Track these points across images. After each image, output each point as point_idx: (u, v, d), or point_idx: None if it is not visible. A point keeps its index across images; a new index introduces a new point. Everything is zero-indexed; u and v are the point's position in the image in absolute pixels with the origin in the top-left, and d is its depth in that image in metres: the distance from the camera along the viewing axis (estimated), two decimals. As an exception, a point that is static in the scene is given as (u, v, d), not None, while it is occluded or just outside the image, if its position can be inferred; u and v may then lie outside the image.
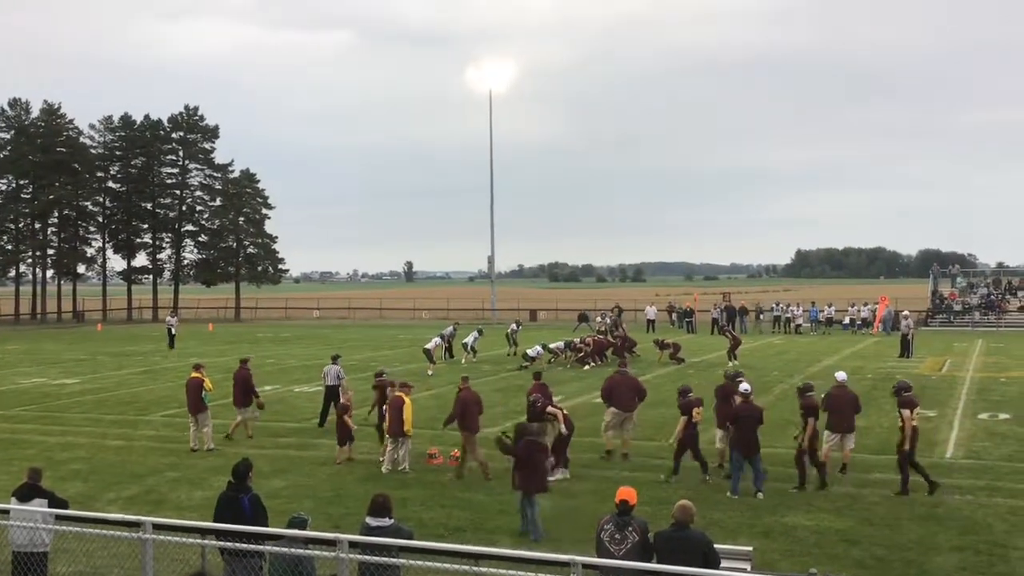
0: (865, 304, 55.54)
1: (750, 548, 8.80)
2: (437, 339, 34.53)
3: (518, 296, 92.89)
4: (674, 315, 57.76)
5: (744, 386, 15.50)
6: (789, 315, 54.05)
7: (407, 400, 16.48)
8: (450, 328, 37.59)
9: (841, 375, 16.82)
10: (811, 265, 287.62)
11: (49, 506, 9.87)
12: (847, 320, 53.63)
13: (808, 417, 15.10)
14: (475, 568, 6.94)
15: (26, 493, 10.07)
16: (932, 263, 79.25)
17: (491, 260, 75.37)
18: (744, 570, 8.07)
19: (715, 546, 8.05)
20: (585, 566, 6.50)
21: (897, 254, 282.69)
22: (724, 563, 7.91)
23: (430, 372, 31.27)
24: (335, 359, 21.80)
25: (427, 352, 32.93)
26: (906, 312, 45.70)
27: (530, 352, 32.41)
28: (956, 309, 59.08)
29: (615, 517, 8.23)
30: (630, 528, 8.10)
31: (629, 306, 61.24)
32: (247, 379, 19.69)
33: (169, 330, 45.35)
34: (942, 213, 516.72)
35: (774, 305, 56.96)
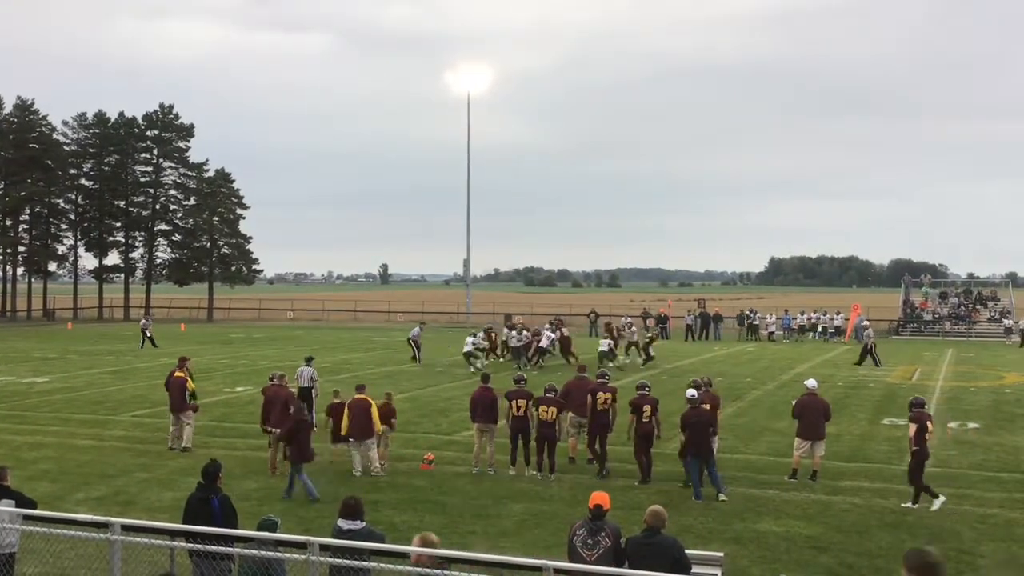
0: (838, 312, 55.99)
1: (721, 554, 8.84)
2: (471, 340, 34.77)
3: (493, 300, 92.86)
4: (649, 321, 57.91)
5: (690, 392, 15.73)
6: (758, 322, 54.40)
7: (372, 402, 16.59)
8: (416, 329, 37.59)
9: (811, 382, 16.98)
10: (784, 273, 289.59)
11: (17, 506, 9.74)
12: (820, 328, 54.04)
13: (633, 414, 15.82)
14: (447, 572, 6.92)
15: None
16: (904, 273, 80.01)
17: (467, 263, 75.53)
18: (715, 575, 8.11)
19: (686, 551, 8.08)
20: (557, 571, 6.50)
21: (869, 263, 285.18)
22: (695, 569, 7.94)
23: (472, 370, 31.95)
24: (308, 361, 21.88)
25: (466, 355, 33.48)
26: (865, 322, 46.25)
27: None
28: (927, 319, 59.67)
29: (588, 522, 8.24)
30: (603, 533, 8.11)
31: (605, 311, 61.39)
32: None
33: (144, 331, 45.04)
34: (914, 224, 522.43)
35: (748, 313, 57.24)
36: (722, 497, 14.55)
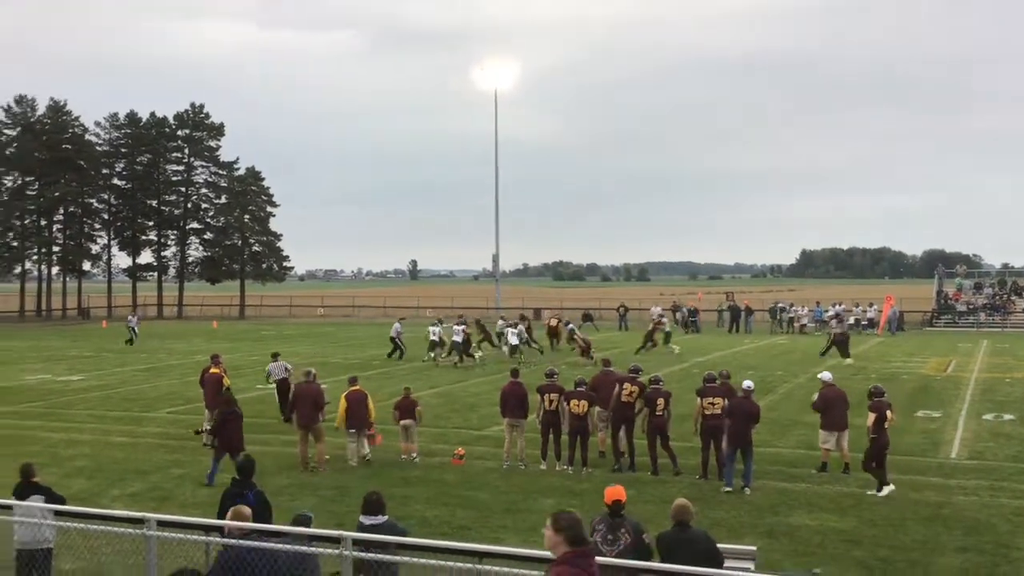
0: (871, 304, 55.47)
1: (754, 548, 8.81)
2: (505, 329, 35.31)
3: (522, 295, 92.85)
4: (678, 315, 57.72)
5: (747, 383, 15.71)
6: (793, 315, 54.01)
7: (367, 394, 17.27)
8: (396, 325, 37.54)
9: (827, 375, 16.93)
10: (816, 265, 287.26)
11: (46, 502, 9.89)
12: (852, 320, 53.55)
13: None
14: (479, 566, 6.94)
15: (23, 490, 10.09)
16: (937, 263, 79.07)
17: (496, 259, 75.38)
18: (748, 570, 8.07)
19: (718, 545, 8.05)
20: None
21: (902, 254, 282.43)
22: (727, 563, 7.91)
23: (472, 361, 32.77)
24: (275, 356, 22.61)
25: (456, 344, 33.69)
26: (830, 313, 46.31)
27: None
28: (961, 310, 58.96)
29: (607, 518, 8.20)
30: (623, 529, 8.07)
31: (635, 305, 61.20)
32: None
33: (132, 328, 45.74)
34: (948, 214, 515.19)
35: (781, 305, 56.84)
36: (747, 491, 14.52)
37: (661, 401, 16.03)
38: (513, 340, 34.37)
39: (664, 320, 42.17)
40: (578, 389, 16.50)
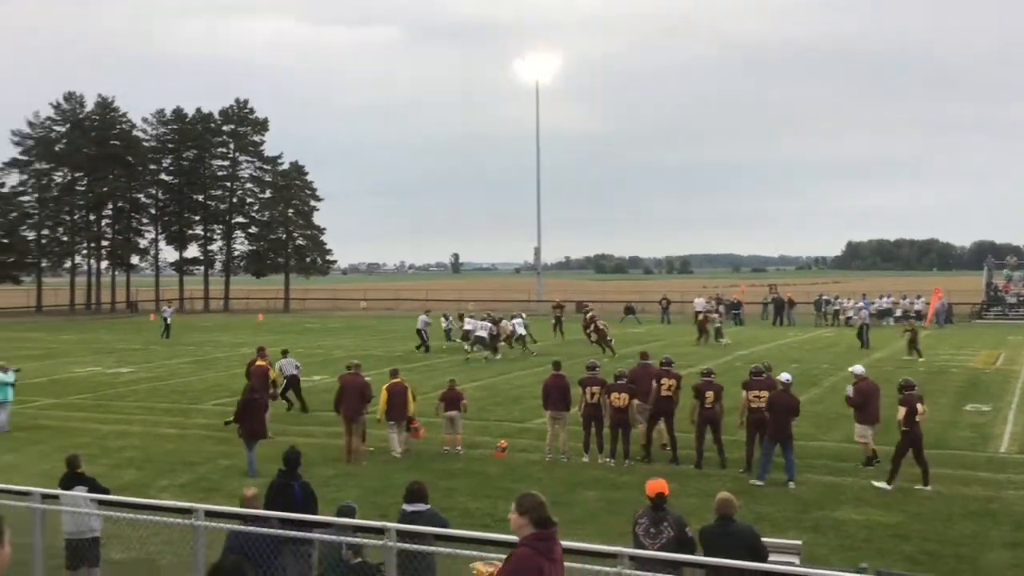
0: (919, 296, 54.62)
1: (799, 542, 8.74)
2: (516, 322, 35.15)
3: (564, 287, 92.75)
4: (721, 307, 57.31)
5: (785, 376, 15.58)
6: (839, 307, 53.33)
7: (408, 386, 17.49)
8: (423, 317, 37.48)
9: (859, 368, 16.75)
10: (862, 257, 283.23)
11: (90, 492, 10.09)
12: (899, 312, 52.77)
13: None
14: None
15: (69, 481, 10.31)
16: (986, 255, 77.53)
17: (537, 251, 75.39)
18: (793, 564, 8.00)
19: (763, 539, 8.00)
20: (631, 558, 6.49)
21: (950, 246, 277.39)
22: (772, 556, 7.86)
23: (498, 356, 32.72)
24: (285, 353, 23.09)
25: (480, 339, 33.58)
26: (860, 303, 45.62)
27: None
28: (1011, 302, 57.81)
29: (650, 511, 8.19)
30: (665, 523, 8.06)
31: (677, 298, 60.83)
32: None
33: (165, 320, 46.42)
34: (997, 204, 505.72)
35: (827, 298, 56.16)
36: (791, 485, 14.39)
37: (711, 394, 15.93)
38: (482, 333, 34.08)
39: (714, 314, 42.22)
40: (618, 382, 16.48)
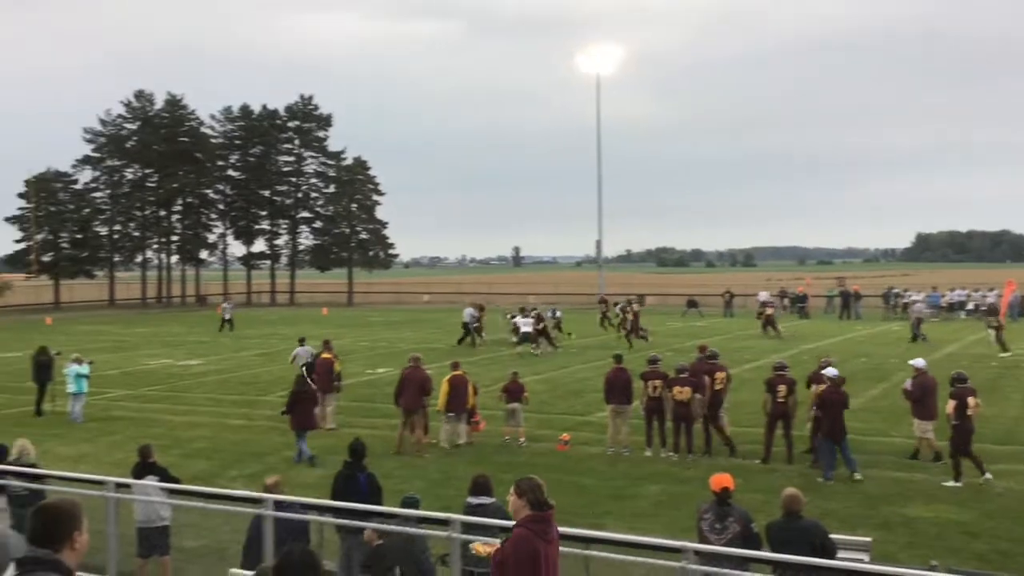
0: (991, 289, 53.19)
1: (868, 539, 8.60)
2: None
3: (626, 281, 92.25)
4: (786, 300, 56.51)
5: (831, 371, 15.34)
6: (909, 301, 52.13)
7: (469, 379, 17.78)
8: (469, 310, 37.35)
9: (920, 362, 16.39)
10: (932, 249, 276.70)
11: (161, 482, 10.34)
12: (971, 306, 51.44)
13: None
14: (586, 552, 6.97)
15: (140, 470, 10.58)
16: (1063, 246, 75.12)
17: (599, 245, 75.08)
18: (862, 561, 7.88)
19: (831, 536, 7.89)
20: (697, 553, 6.46)
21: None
22: (841, 553, 7.75)
23: (539, 351, 32.48)
24: (302, 341, 23.70)
25: (525, 335, 33.58)
26: (915, 297, 44.41)
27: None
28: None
29: (715, 506, 8.13)
30: (731, 518, 7.98)
31: (740, 291, 60.14)
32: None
33: (223, 315, 47.15)
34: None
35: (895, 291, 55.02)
36: (857, 476, 14.23)
37: (783, 388, 15.72)
38: (525, 329, 34.05)
39: (770, 308, 41.76)
40: (680, 376, 16.39)
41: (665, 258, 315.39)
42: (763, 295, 53.90)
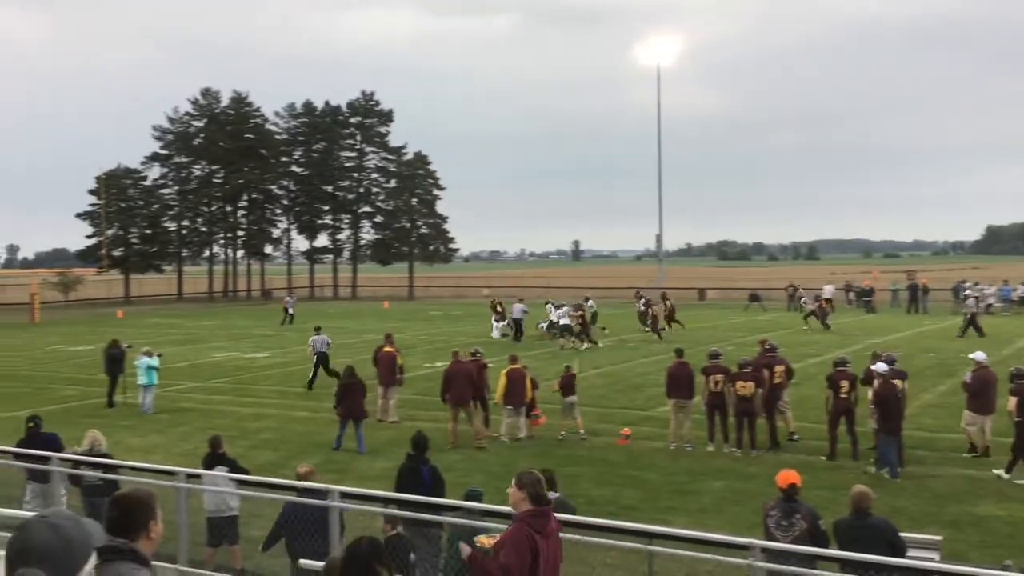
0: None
1: (939, 537, 8.42)
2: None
3: (686, 275, 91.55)
4: (851, 294, 55.53)
5: (881, 366, 15.27)
6: (977, 295, 50.82)
7: (527, 372, 17.73)
8: (519, 306, 37.39)
9: (981, 355, 16.02)
10: (1003, 241, 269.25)
11: (230, 472, 10.53)
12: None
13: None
14: (649, 547, 6.94)
15: (210, 461, 10.79)
16: None
17: (659, 238, 74.65)
18: (932, 560, 7.72)
19: (900, 534, 7.75)
20: (763, 550, 6.38)
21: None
22: (911, 552, 7.60)
23: (583, 347, 32.46)
24: (318, 330, 25.24)
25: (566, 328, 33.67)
26: (968, 291, 43.07)
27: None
28: None
29: (782, 503, 8.02)
30: (798, 515, 7.88)
31: (804, 285, 59.20)
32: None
33: (286, 309, 48.13)
34: None
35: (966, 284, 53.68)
36: (872, 471, 14.29)
37: (846, 383, 15.53)
38: (564, 321, 34.20)
39: (805, 301, 42.75)
40: (743, 371, 16.22)
41: (726, 251, 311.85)
42: (828, 289, 53.09)
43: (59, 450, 11.60)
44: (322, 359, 24.27)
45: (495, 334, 36.79)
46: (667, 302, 40.19)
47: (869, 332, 37.61)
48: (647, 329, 36.99)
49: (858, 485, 8.24)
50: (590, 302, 37.11)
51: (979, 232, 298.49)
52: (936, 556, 7.86)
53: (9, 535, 2.47)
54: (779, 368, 16.58)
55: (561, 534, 7.56)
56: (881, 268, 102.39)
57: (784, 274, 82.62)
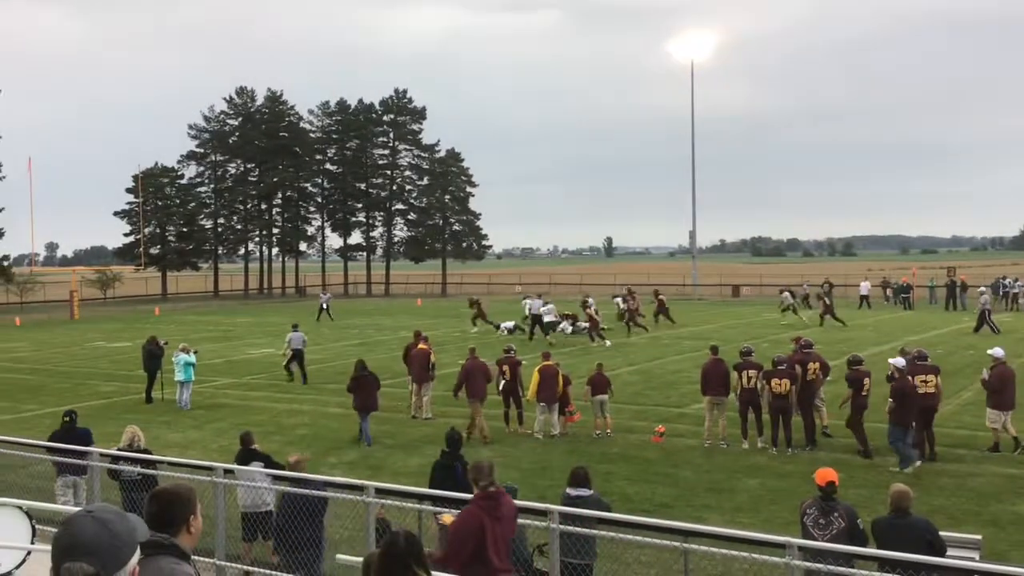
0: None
1: (979, 537, 8.31)
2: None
3: (720, 271, 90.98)
4: (889, 291, 54.88)
5: (899, 361, 15.15)
6: (1016, 291, 50.05)
7: (559, 369, 17.79)
8: (540, 304, 36.79)
9: (999, 351, 15.87)
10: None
11: (265, 468, 10.61)
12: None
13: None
14: (684, 544, 6.91)
15: (244, 457, 10.87)
16: None
17: (692, 235, 74.12)
18: (972, 559, 7.62)
19: (940, 533, 7.65)
20: (800, 548, 6.34)
21: None
22: (950, 551, 7.50)
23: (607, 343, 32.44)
24: (295, 327, 25.93)
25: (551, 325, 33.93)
26: (982, 288, 42.25)
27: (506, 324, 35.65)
28: None
29: (819, 501, 7.95)
30: (836, 514, 7.80)
31: (840, 281, 58.62)
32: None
33: (322, 306, 48.64)
34: None
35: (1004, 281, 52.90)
36: (894, 469, 14.14)
37: (867, 381, 15.52)
38: (549, 318, 34.32)
39: (786, 294, 44.05)
40: (778, 368, 16.11)
41: (760, 247, 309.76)
42: (864, 286, 52.51)
43: (89, 443, 11.82)
44: (298, 355, 25.18)
45: (508, 325, 36.76)
46: (659, 297, 41.03)
47: (907, 329, 37.17)
48: (627, 325, 36.82)
49: (898, 484, 8.14)
50: (590, 300, 36.80)
51: (1017, 228, 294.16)
52: (976, 555, 7.75)
53: (54, 530, 2.51)
54: (813, 365, 16.44)
55: (599, 532, 7.57)
56: (919, 264, 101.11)
57: (820, 270, 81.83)
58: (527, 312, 35.83)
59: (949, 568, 6.61)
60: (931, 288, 54.32)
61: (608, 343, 32.60)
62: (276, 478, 10.19)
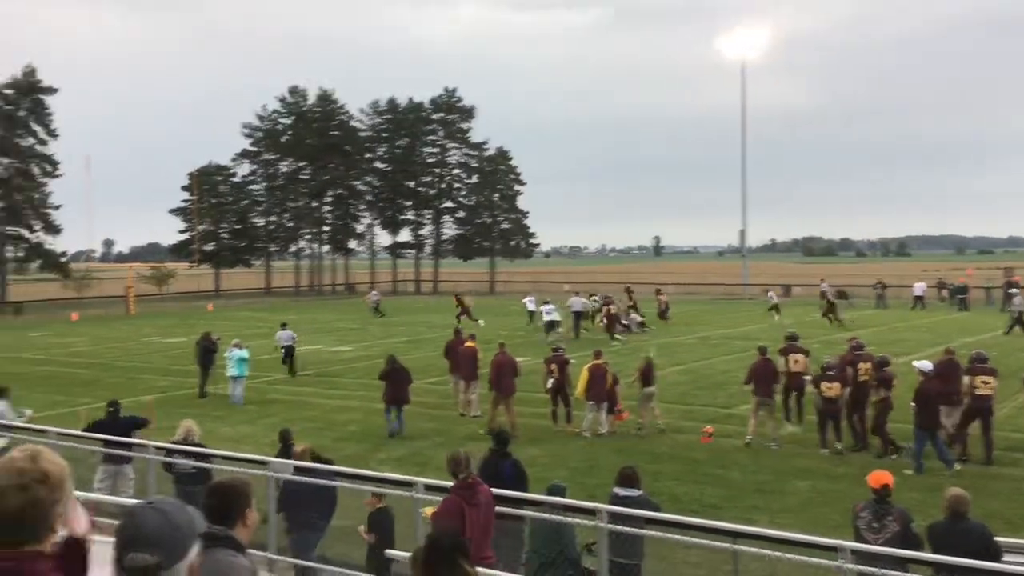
0: None
1: (1036, 543, 8.14)
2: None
3: (770, 271, 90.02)
4: (945, 292, 53.90)
5: (926, 364, 15.07)
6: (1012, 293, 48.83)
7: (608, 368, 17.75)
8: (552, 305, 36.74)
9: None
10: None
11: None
12: None
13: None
14: (734, 546, 6.87)
15: (284, 454, 11.01)
16: None
17: (743, 234, 73.47)
18: (1029, 566, 7.47)
19: (996, 539, 7.52)
20: (853, 552, 6.27)
21: None
22: (1006, 557, 7.37)
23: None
24: (284, 326, 27.23)
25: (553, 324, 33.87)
26: (1014, 290, 41.01)
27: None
28: None
29: (872, 504, 7.85)
30: (890, 517, 7.70)
31: (893, 282, 57.66)
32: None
33: (374, 304, 49.85)
34: None
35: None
36: (956, 467, 14.04)
37: (894, 383, 15.41)
38: (550, 317, 34.20)
39: (771, 293, 45.15)
40: (827, 372, 15.91)
41: (812, 247, 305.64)
42: (919, 287, 51.64)
43: (130, 432, 12.16)
44: (288, 352, 26.19)
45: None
46: (661, 297, 41.17)
47: (964, 330, 36.46)
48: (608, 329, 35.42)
49: (954, 488, 8.00)
50: (594, 298, 36.62)
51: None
52: (1033, 562, 7.60)
53: (117, 522, 2.58)
54: (864, 365, 16.23)
55: (647, 532, 7.55)
56: (975, 265, 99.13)
57: (872, 271, 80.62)
58: (542, 311, 35.35)
59: (1004, 573, 6.49)
60: (988, 289, 53.31)
61: (623, 340, 32.80)
62: (318, 472, 10.32)
